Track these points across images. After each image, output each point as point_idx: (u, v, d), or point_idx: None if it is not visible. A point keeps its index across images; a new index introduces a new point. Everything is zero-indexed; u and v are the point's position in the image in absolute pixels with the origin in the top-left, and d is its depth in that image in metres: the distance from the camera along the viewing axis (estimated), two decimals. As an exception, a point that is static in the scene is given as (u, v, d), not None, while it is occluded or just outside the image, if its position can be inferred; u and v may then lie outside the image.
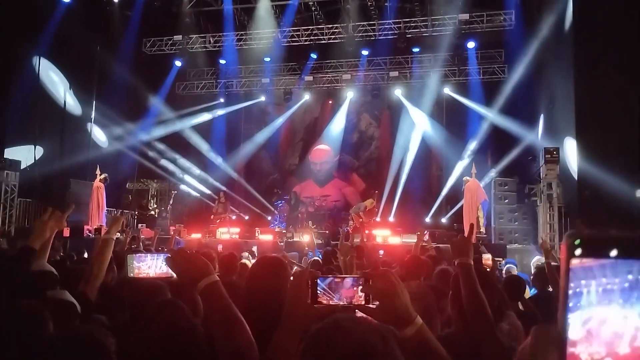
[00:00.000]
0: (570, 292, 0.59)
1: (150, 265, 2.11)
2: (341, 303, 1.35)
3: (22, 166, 12.45)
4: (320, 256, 6.97)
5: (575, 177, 9.88)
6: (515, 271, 5.98)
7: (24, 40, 12.61)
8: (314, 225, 13.61)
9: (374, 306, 1.33)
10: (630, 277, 0.58)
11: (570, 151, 10.37)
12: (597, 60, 9.29)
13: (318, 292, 1.36)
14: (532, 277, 5.15)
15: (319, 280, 1.37)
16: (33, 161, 13.07)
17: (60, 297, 2.09)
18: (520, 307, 3.76)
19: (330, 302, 1.35)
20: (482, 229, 11.65)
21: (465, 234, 2.30)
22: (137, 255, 2.18)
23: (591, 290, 0.59)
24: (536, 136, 13.40)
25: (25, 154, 12.85)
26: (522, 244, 11.31)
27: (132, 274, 2.16)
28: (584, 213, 9.14)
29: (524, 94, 13.79)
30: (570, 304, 0.59)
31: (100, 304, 2.70)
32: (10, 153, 12.46)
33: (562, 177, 10.40)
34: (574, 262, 0.59)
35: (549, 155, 10.29)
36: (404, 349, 1.09)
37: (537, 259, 6.59)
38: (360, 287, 1.35)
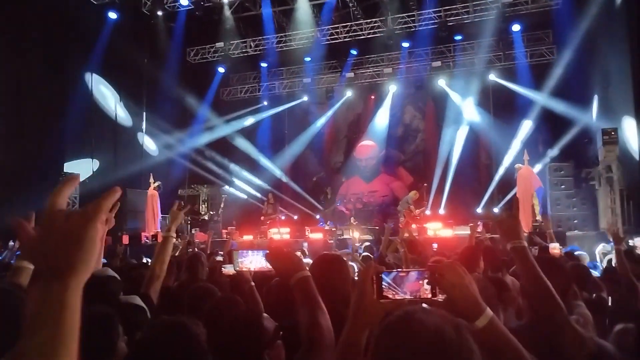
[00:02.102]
0: None
1: (252, 261, 2.31)
2: (407, 297, 1.34)
3: (82, 178, 13.02)
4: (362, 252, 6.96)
5: (637, 157, 9.39)
6: (586, 260, 5.70)
7: (76, 58, 13.22)
8: (355, 222, 13.56)
9: (441, 299, 1.31)
10: None
11: (630, 131, 9.87)
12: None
13: (383, 286, 1.35)
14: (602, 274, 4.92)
15: (383, 275, 1.36)
16: (91, 173, 13.66)
17: (132, 302, 2.16)
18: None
19: (396, 297, 1.34)
20: (538, 217, 11.26)
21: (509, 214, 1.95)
22: (241, 251, 2.39)
23: None
24: (590, 118, 12.82)
25: (83, 167, 13.45)
26: (583, 231, 10.85)
27: (237, 268, 2.39)
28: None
29: (576, 75, 13.21)
30: None
31: (161, 306, 2.78)
32: (70, 167, 13.05)
33: (621, 158, 9.91)
34: None
35: (607, 137, 9.84)
36: (477, 341, 1.06)
37: (603, 247, 6.29)
38: (426, 280, 1.33)
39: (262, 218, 14.82)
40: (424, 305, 1.30)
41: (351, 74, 16.94)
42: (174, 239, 2.87)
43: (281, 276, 1.78)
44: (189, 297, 2.57)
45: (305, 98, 18.19)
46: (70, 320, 0.75)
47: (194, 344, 1.45)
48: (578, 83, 13.21)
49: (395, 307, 1.28)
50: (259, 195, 16.93)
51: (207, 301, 2.28)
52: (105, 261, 7.03)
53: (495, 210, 14.63)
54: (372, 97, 18.10)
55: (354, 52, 16.40)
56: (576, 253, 5.87)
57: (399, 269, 1.40)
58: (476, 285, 1.33)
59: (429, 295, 1.33)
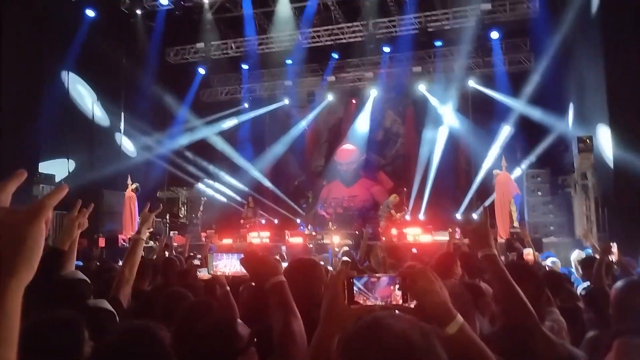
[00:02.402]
0: None
1: (226, 264, 2.28)
2: (378, 303, 1.32)
3: (57, 179, 12.76)
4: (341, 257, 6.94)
5: (612, 165, 9.57)
6: (558, 266, 5.76)
7: (52, 56, 12.95)
8: (334, 227, 13.58)
9: (412, 306, 1.30)
10: None
11: (604, 139, 10.06)
12: (628, 42, 8.98)
13: (354, 292, 1.33)
14: (581, 269, 4.98)
15: (354, 280, 1.34)
16: (67, 174, 13.39)
17: (100, 305, 2.11)
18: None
19: (367, 302, 1.32)
20: (516, 224, 11.40)
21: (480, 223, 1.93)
22: (215, 254, 2.35)
23: None
24: (567, 125, 13.05)
25: (59, 167, 13.18)
26: (559, 237, 11.01)
27: (211, 272, 2.34)
28: (621, 202, 8.85)
29: (552, 83, 13.44)
30: None
31: (134, 310, 2.72)
32: (45, 167, 12.78)
33: (596, 166, 10.09)
34: None
35: (583, 144, 10.01)
36: (446, 348, 1.05)
37: (578, 254, 6.37)
38: (397, 286, 1.32)
39: (241, 221, 14.72)
40: (395, 311, 1.28)
41: (332, 78, 16.96)
42: (144, 242, 2.80)
43: (255, 281, 1.76)
44: (162, 302, 2.51)
45: (286, 101, 18.16)
46: (6, 324, 0.69)
47: (157, 348, 1.41)
48: (554, 91, 13.45)
49: (366, 313, 1.26)
50: (238, 198, 16.82)
51: (181, 305, 2.23)
52: (81, 264, 6.91)
53: (474, 215, 14.79)
54: (354, 101, 18.16)
55: (335, 55, 16.43)
56: (550, 260, 5.94)
57: (370, 274, 1.37)
58: (448, 292, 1.32)
59: (400, 301, 1.31)
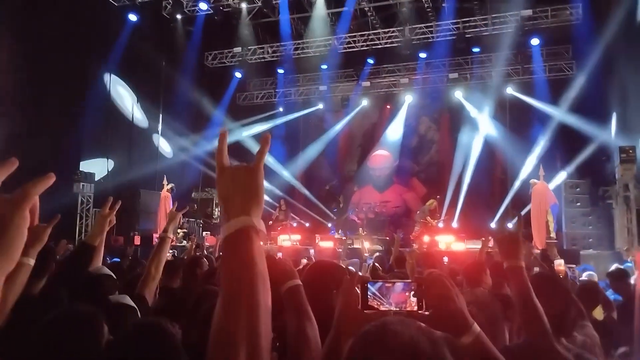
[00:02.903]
0: None
1: None
2: (392, 308, 1.30)
3: (96, 178, 13.16)
4: (371, 263, 6.87)
5: (655, 177, 9.20)
6: (595, 279, 5.56)
7: (95, 59, 13.40)
8: (364, 232, 13.48)
9: (427, 313, 1.27)
10: None
11: (648, 149, 9.68)
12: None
13: (368, 297, 1.32)
14: (609, 281, 4.79)
15: (369, 285, 1.32)
16: (106, 173, 13.79)
17: (122, 301, 2.15)
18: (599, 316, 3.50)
19: (381, 308, 1.30)
20: (553, 234, 11.08)
21: (517, 233, 1.90)
22: None
23: None
24: (609, 135, 12.61)
25: (99, 167, 13.59)
26: (597, 250, 10.63)
27: None
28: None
29: (594, 91, 13.02)
30: None
31: (160, 307, 2.76)
32: (85, 166, 13.20)
33: (639, 177, 9.71)
34: None
35: (625, 155, 9.66)
36: (460, 357, 1.02)
37: (616, 267, 6.13)
38: (413, 293, 1.29)
39: (270, 223, 14.79)
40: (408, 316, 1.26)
41: (367, 83, 16.92)
42: (170, 240, 2.84)
43: (271, 285, 1.77)
44: (190, 299, 2.55)
45: (320, 106, 18.21)
46: None
47: (167, 344, 1.43)
48: (597, 99, 13.02)
49: (379, 318, 1.24)
50: (270, 200, 16.94)
51: (207, 304, 2.25)
52: (118, 260, 7.09)
53: (509, 225, 14.42)
54: (388, 106, 18.05)
55: (370, 61, 16.38)
56: (586, 273, 5.74)
57: (385, 280, 1.35)
58: (475, 300, 1.29)
59: (415, 308, 1.29)
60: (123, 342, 1.42)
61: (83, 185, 12.66)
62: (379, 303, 1.31)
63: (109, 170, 13.94)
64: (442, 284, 1.27)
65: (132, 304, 2.13)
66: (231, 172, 1.03)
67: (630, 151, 9.66)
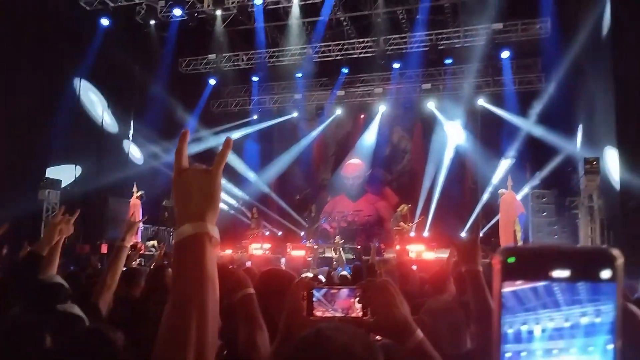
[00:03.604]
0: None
1: None
2: (338, 314, 1.29)
3: (63, 185, 12.84)
4: (349, 271, 6.87)
5: (617, 188, 9.45)
6: None
7: (66, 63, 13.11)
8: (341, 240, 13.48)
9: (372, 319, 1.27)
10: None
11: (611, 161, 9.95)
12: (638, 65, 8.92)
13: (314, 303, 1.31)
14: None
15: (314, 291, 1.31)
16: (73, 180, 13.47)
17: (69, 310, 2.09)
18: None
19: (326, 314, 1.30)
20: (520, 243, 11.27)
21: (471, 237, 1.98)
22: None
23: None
24: (575, 146, 12.94)
25: (65, 173, 13.27)
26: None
27: None
28: (627, 225, 8.72)
29: (562, 103, 13.37)
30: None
31: (120, 317, 2.69)
32: (52, 172, 12.88)
33: (603, 188, 9.97)
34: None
35: (589, 166, 9.89)
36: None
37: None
38: (357, 299, 1.29)
39: (248, 233, 14.68)
40: (351, 323, 1.25)
41: (342, 92, 17.02)
42: (127, 249, 2.79)
43: (224, 293, 1.76)
44: (154, 308, 2.49)
45: (295, 114, 18.23)
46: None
47: (106, 351, 1.39)
48: (564, 111, 13.37)
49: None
50: (243, 208, 16.82)
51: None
52: (73, 269, 6.87)
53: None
54: (362, 116, 18.19)
55: (345, 70, 16.50)
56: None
57: (329, 286, 1.35)
58: (439, 307, 1.29)
59: (360, 314, 1.28)
60: (61, 351, 1.39)
61: (49, 192, 12.32)
62: (324, 309, 1.31)
63: (77, 176, 13.62)
64: (386, 290, 1.27)
65: (81, 313, 2.07)
66: (189, 174, 1.01)
67: (595, 162, 9.90)
